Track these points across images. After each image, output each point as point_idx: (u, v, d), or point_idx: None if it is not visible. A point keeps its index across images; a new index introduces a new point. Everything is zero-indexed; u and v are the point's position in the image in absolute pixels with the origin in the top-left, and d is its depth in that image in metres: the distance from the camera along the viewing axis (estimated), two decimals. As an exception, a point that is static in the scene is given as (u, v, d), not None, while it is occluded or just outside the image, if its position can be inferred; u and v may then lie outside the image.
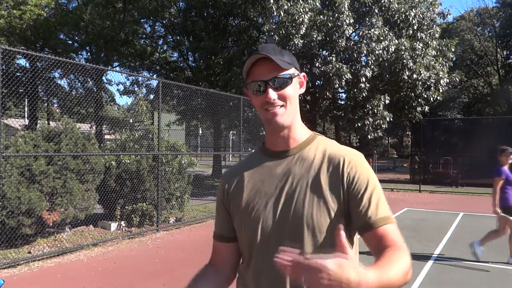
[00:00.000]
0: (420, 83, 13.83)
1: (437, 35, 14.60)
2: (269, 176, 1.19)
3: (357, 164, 1.15)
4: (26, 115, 24.88)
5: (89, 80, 20.90)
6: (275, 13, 12.61)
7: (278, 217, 1.13)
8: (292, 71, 1.17)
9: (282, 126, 1.16)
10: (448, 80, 14.37)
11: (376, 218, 1.10)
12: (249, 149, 21.61)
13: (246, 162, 1.29)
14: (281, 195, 1.15)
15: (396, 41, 13.06)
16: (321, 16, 12.80)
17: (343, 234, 0.88)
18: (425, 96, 14.43)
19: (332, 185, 1.13)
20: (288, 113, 1.15)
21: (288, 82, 1.15)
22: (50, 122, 21.39)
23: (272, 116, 1.14)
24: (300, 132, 1.21)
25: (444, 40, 15.68)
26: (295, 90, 1.18)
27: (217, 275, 1.27)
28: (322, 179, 1.14)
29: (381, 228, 1.09)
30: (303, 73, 1.23)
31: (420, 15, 13.78)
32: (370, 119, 13.87)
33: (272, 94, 1.12)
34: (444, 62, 14.63)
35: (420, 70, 13.48)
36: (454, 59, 16.98)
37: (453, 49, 15.29)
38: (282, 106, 1.14)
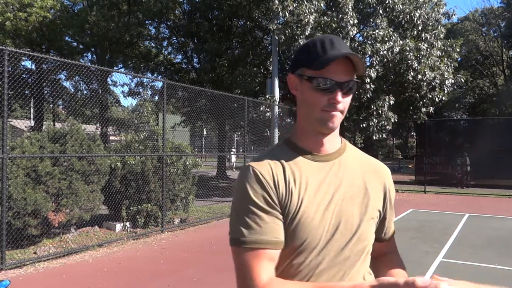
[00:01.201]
0: (425, 83, 13.78)
1: (442, 36, 14.55)
2: (315, 180, 1.11)
3: (391, 178, 1.25)
4: (31, 117, 25.04)
5: (94, 82, 21.01)
6: (280, 14, 12.62)
7: (330, 223, 1.08)
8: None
9: (332, 130, 1.12)
10: (453, 81, 14.32)
11: (392, 230, 1.28)
12: (252, 148, 21.57)
13: (278, 157, 1.13)
14: (332, 200, 1.10)
15: (401, 41, 13.03)
16: (325, 17, 12.79)
17: None
18: (430, 96, 14.38)
19: (379, 197, 1.18)
20: (340, 119, 1.11)
21: (354, 89, 1.10)
22: (56, 123, 21.52)
23: (330, 118, 1.08)
24: (337, 136, 1.18)
25: (449, 40, 15.63)
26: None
27: None
28: (371, 191, 1.15)
29: (391, 237, 1.29)
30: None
31: (425, 16, 13.74)
32: (374, 120, 13.84)
33: (340, 97, 1.06)
34: (449, 63, 14.58)
35: (425, 70, 13.44)
36: (459, 59, 16.90)
37: (458, 50, 15.23)
38: (341, 111, 1.09)
